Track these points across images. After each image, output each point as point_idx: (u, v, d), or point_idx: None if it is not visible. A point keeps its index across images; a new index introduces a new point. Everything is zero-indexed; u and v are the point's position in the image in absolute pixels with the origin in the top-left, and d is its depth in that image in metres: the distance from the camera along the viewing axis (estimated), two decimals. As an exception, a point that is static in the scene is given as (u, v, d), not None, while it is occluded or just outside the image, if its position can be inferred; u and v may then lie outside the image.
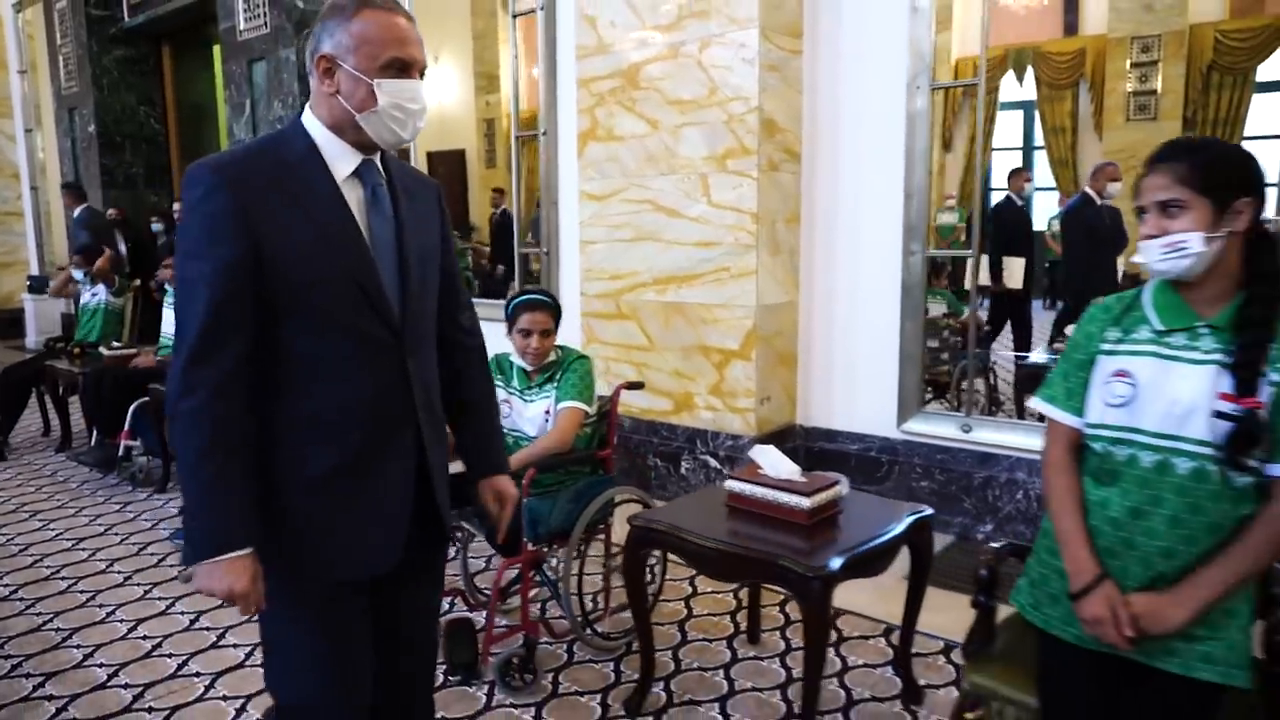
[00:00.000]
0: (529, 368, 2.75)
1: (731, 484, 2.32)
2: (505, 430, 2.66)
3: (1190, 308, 1.47)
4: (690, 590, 3.11)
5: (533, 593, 2.65)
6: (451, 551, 2.74)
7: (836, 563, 1.96)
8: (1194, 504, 1.41)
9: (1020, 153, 4.64)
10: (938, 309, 4.84)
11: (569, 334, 4.57)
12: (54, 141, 9.18)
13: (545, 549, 2.61)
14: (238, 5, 6.34)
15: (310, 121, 1.44)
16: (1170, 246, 1.42)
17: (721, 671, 2.57)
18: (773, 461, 2.30)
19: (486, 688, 2.49)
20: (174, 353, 1.37)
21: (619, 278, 4.29)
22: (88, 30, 8.13)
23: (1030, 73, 4.64)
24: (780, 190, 3.87)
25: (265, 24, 6.15)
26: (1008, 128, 4.61)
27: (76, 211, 7.50)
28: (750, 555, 2.06)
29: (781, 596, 2.92)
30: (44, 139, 9.51)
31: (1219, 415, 1.38)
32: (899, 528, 2.15)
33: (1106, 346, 1.53)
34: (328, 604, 1.44)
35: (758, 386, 3.85)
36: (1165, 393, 1.43)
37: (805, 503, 2.14)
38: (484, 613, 2.63)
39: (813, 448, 3.98)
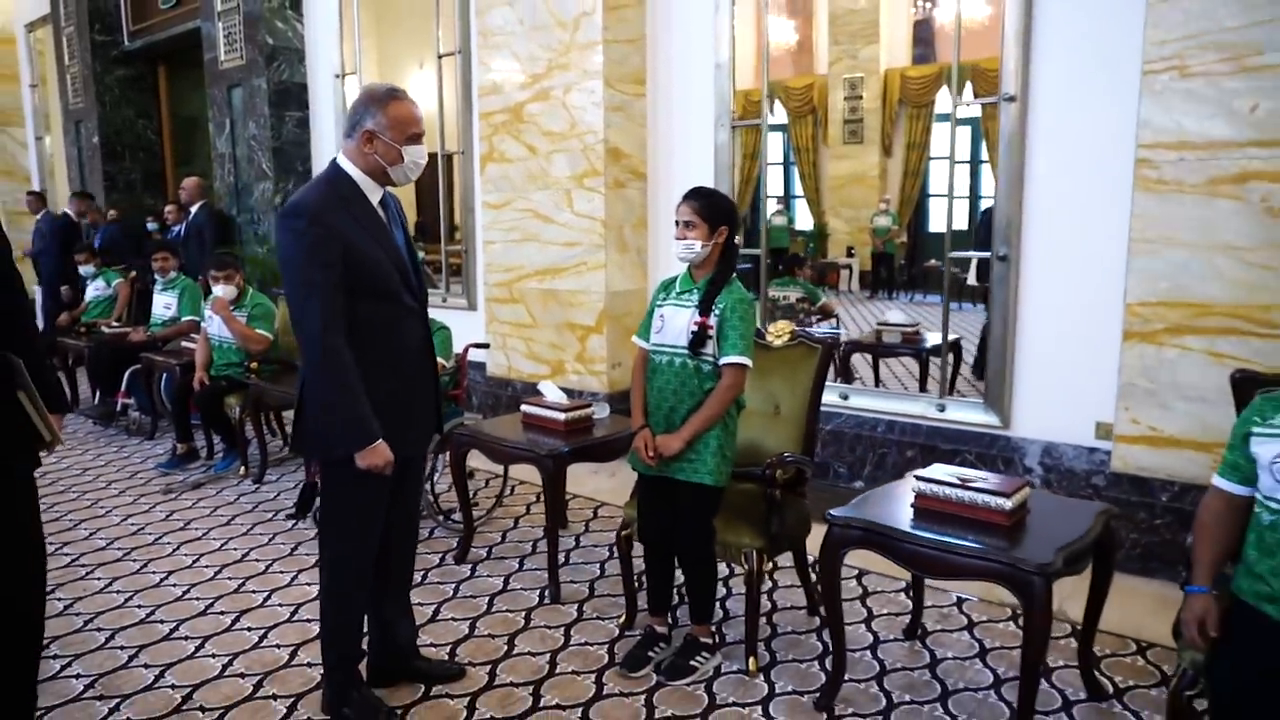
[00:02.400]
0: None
1: (525, 407, 3.47)
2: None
3: (693, 282, 2.58)
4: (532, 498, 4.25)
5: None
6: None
7: (564, 450, 3.08)
8: (681, 383, 2.53)
9: (781, 167, 5.82)
10: (795, 294, 5.94)
11: (479, 315, 5.72)
12: (62, 149, 10.33)
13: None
14: (219, 39, 7.47)
15: (348, 166, 2.21)
16: (686, 247, 2.54)
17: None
18: (551, 392, 3.45)
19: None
20: (302, 328, 2.13)
21: (511, 270, 5.42)
22: (92, 53, 9.24)
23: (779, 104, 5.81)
24: (626, 202, 5.00)
25: (241, 56, 7.28)
26: (773, 147, 5.78)
27: (39, 215, 8.75)
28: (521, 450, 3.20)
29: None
30: (53, 145, 10.65)
31: (691, 332, 2.50)
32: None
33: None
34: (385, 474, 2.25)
35: (609, 355, 4.97)
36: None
37: (560, 417, 3.28)
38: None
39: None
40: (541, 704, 2.51)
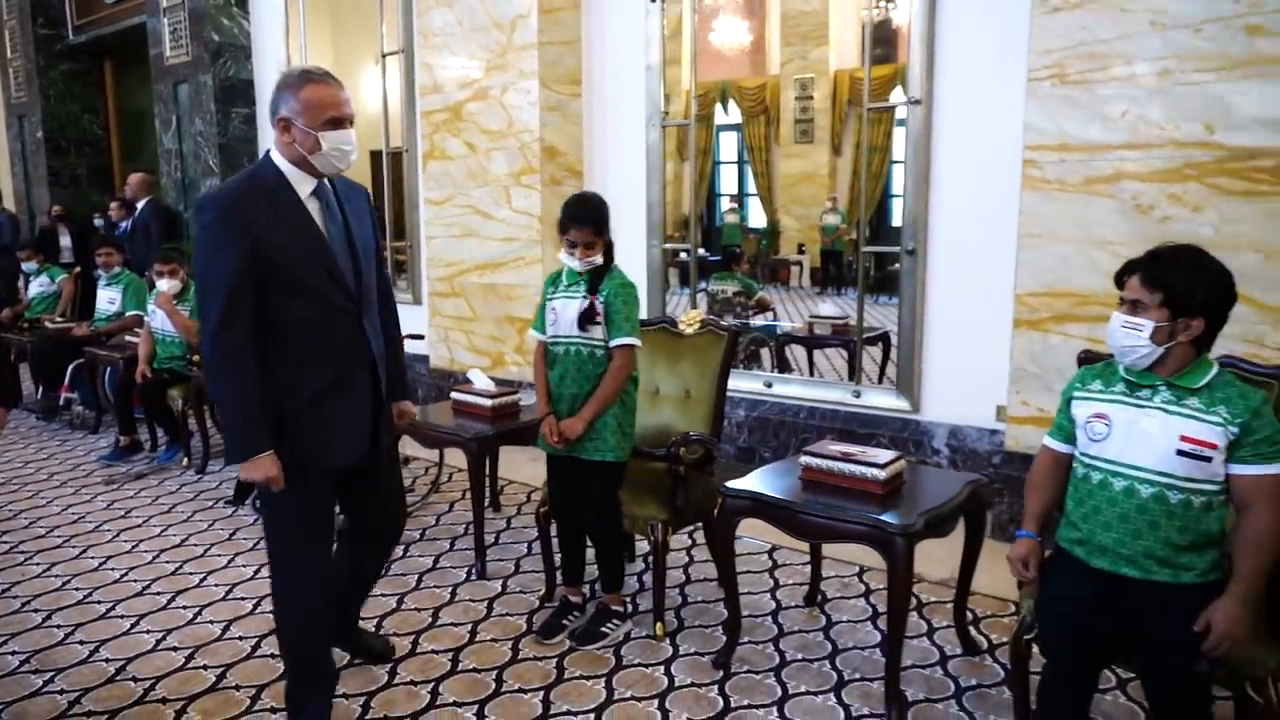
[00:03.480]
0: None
1: (454, 395, 3.62)
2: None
3: (578, 275, 2.75)
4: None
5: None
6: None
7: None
8: (578, 369, 2.71)
9: (736, 165, 6.03)
10: (732, 289, 6.14)
11: (423, 309, 5.83)
12: (5, 144, 10.23)
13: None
14: (164, 34, 7.50)
15: (276, 158, 2.09)
16: (588, 263, 2.71)
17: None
18: (480, 380, 3.61)
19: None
20: (203, 324, 2.01)
21: (452, 265, 5.56)
22: (35, 46, 9.18)
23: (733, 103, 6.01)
24: (562, 199, 5.11)
25: (187, 52, 7.32)
26: (727, 145, 5.98)
27: None
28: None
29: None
30: (-4, 140, 10.54)
31: (581, 311, 2.68)
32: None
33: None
34: (314, 488, 2.15)
35: (546, 346, 5.13)
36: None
37: (486, 403, 3.44)
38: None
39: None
40: (460, 668, 2.68)
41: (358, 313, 2.18)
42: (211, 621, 3.01)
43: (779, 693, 2.51)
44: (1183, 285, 1.78)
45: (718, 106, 6.13)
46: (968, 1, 3.77)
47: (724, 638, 2.78)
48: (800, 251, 6.64)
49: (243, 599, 3.17)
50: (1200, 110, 3.08)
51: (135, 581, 3.36)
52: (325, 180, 2.15)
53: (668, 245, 4.98)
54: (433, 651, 2.79)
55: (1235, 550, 1.74)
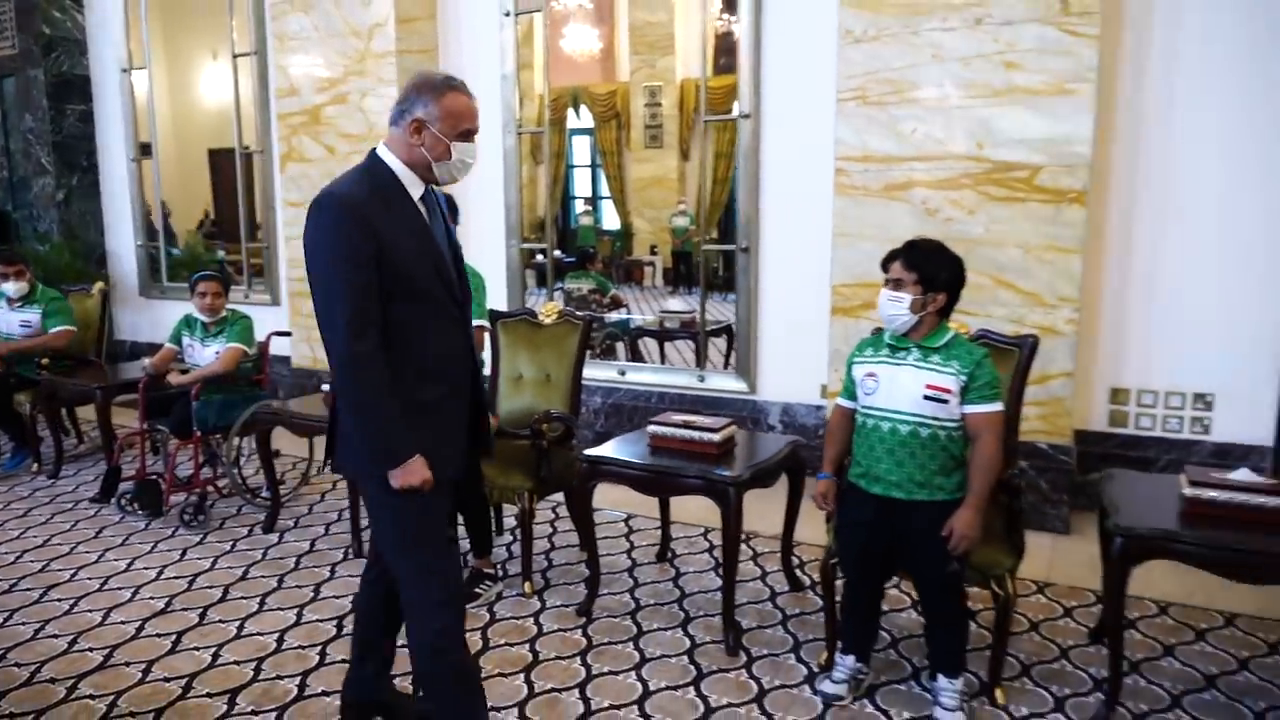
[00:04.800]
0: (207, 320, 4.10)
1: (326, 387, 3.81)
2: (187, 363, 4.03)
3: None
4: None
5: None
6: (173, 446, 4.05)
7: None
8: None
9: (589, 169, 6.43)
10: (588, 286, 6.50)
11: (282, 309, 5.88)
12: None
13: (214, 436, 4.01)
14: (-12, 26, 7.14)
15: (388, 157, 1.97)
16: None
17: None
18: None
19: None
20: (329, 329, 1.87)
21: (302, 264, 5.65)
22: None
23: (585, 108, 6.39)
24: (423, 201, 5.37)
25: (14, 45, 7.01)
26: (580, 150, 6.36)
27: None
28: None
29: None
30: None
31: None
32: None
33: None
34: (441, 498, 2.03)
35: (410, 342, 5.33)
36: None
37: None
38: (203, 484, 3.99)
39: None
40: (344, 632, 2.91)
41: (464, 319, 2.11)
42: (90, 611, 3.11)
43: (635, 630, 2.90)
44: (932, 268, 2.28)
45: (570, 112, 6.47)
46: (787, 28, 4.30)
47: (586, 590, 3.14)
48: (653, 252, 7.06)
49: (120, 589, 3.27)
50: (972, 129, 3.69)
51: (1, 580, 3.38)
52: (429, 185, 2.07)
53: (525, 245, 5.30)
54: (318, 620, 3.01)
55: (969, 472, 2.25)
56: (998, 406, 2.25)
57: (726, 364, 4.87)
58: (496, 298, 5.24)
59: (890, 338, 2.37)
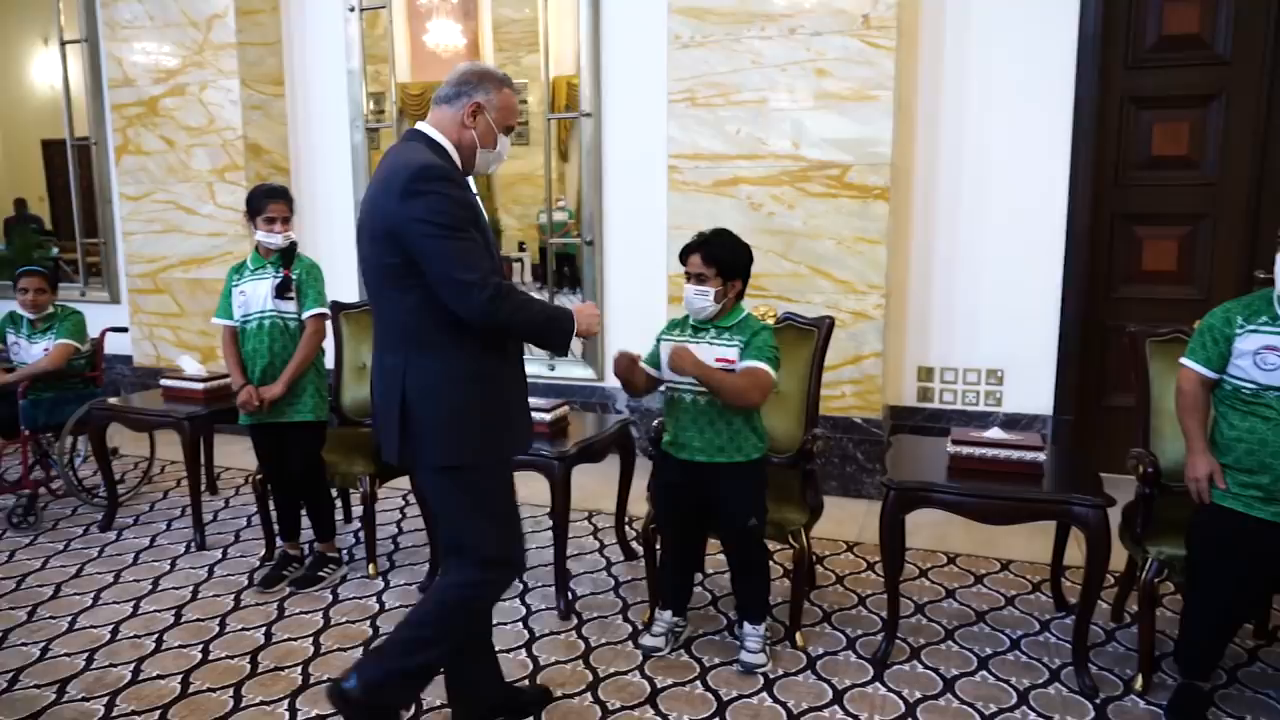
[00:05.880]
0: (32, 317, 3.97)
1: (165, 381, 3.78)
2: (14, 361, 3.90)
3: (263, 260, 3.14)
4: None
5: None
6: None
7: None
8: (273, 340, 3.10)
9: None
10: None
11: (122, 307, 5.70)
12: None
13: (45, 435, 3.90)
14: None
15: (439, 137, 1.98)
16: (286, 237, 3.08)
17: (177, 507, 4.01)
18: (190, 366, 3.80)
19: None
20: (464, 296, 1.84)
21: (154, 261, 5.51)
22: None
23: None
24: (270, 195, 5.32)
25: None
26: None
27: None
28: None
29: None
30: None
31: (276, 285, 3.05)
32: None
33: None
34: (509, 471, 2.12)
35: (259, 338, 5.28)
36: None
37: (199, 387, 3.65)
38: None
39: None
40: (183, 620, 2.94)
41: None
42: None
43: (474, 603, 3.05)
44: (729, 259, 2.52)
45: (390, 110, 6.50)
46: (624, 33, 4.53)
47: (428, 568, 3.26)
48: (521, 249, 7.18)
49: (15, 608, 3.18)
50: (789, 130, 4.01)
51: None
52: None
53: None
54: (155, 611, 3.02)
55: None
56: (766, 367, 2.45)
57: (576, 353, 5.06)
58: (350, 292, 5.25)
59: (694, 319, 2.60)
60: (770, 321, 3.00)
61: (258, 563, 3.41)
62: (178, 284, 5.46)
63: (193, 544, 3.59)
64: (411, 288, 1.90)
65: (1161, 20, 3.97)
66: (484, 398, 1.99)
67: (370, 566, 3.28)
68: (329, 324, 3.25)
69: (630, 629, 2.85)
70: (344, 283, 5.32)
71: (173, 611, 3.01)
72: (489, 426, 2.01)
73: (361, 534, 3.61)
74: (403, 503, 4.05)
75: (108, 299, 6.06)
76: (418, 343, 1.94)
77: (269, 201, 3.08)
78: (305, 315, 3.13)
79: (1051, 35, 3.97)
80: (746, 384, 2.44)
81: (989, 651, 2.69)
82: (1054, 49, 3.97)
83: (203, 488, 3.95)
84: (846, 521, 3.78)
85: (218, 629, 2.88)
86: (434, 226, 1.85)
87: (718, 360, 2.47)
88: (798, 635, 2.72)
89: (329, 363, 3.34)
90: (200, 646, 2.76)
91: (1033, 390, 4.22)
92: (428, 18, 5.66)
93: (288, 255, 3.13)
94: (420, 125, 2.02)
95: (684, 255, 2.54)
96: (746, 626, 2.62)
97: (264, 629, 2.88)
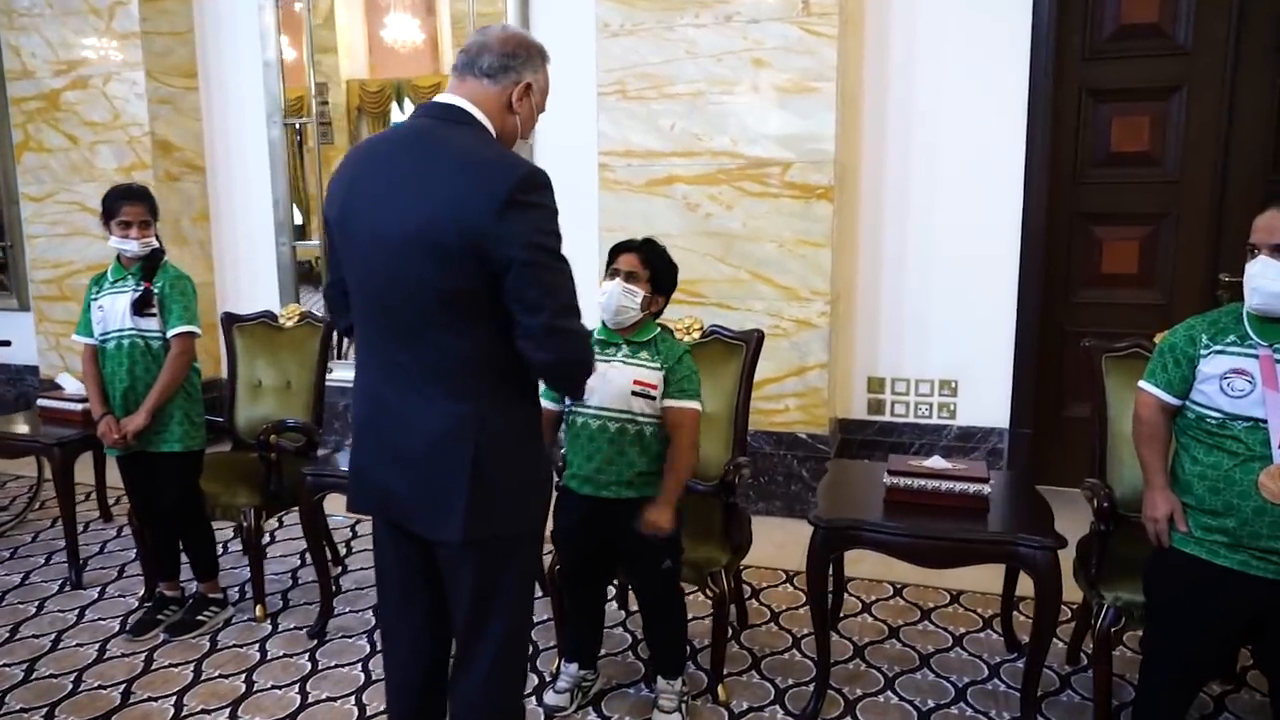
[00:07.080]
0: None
1: (42, 401, 3.43)
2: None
3: (125, 270, 2.81)
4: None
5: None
6: None
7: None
8: (133, 362, 2.76)
9: None
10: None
11: (31, 316, 5.33)
12: None
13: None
14: None
15: (485, 120, 1.57)
16: (145, 244, 2.75)
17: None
18: (70, 385, 3.46)
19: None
20: (570, 320, 1.50)
21: (61, 266, 5.14)
22: None
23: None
24: (183, 195, 4.98)
25: None
26: None
27: None
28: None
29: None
30: None
31: (134, 300, 2.72)
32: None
33: None
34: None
35: (172, 348, 4.93)
36: None
37: (76, 408, 3.31)
38: None
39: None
40: (34, 677, 2.61)
41: None
42: None
43: (367, 651, 2.74)
44: (664, 269, 2.24)
45: (394, 105, 6.17)
46: (552, 20, 4.23)
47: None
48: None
49: None
50: (726, 125, 3.73)
51: None
52: None
53: (300, 243, 5.00)
54: (4, 665, 2.68)
55: (665, 468, 2.21)
56: (694, 405, 2.22)
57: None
58: (268, 299, 4.92)
59: (601, 332, 2.31)
60: (695, 335, 2.73)
61: (135, 604, 3.09)
62: (85, 291, 5.07)
63: (68, 582, 3.25)
64: (489, 318, 1.51)
65: (1119, 8, 3.73)
66: (542, 454, 1.71)
67: (258, 608, 2.96)
68: (196, 344, 2.85)
69: (535, 681, 2.55)
70: (266, 291, 4.99)
71: (24, 666, 2.67)
72: (546, 486, 1.70)
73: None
74: (300, 534, 3.71)
75: (16, 306, 5.67)
76: (494, 386, 1.56)
77: (123, 203, 2.75)
78: (170, 333, 2.79)
79: (1004, 23, 3.72)
80: (687, 442, 2.21)
81: (931, 704, 2.42)
82: (1007, 38, 3.72)
83: (91, 513, 3.61)
84: (789, 546, 3.51)
85: (70, 687, 2.55)
86: (543, 252, 1.48)
87: (636, 383, 2.18)
88: (720, 688, 2.44)
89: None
90: (44, 711, 2.43)
91: (989, 401, 3.97)
92: (385, 12, 5.35)
93: (150, 266, 2.80)
94: (456, 100, 1.57)
95: (616, 253, 2.25)
96: (660, 681, 2.34)
97: (123, 686, 2.55)
